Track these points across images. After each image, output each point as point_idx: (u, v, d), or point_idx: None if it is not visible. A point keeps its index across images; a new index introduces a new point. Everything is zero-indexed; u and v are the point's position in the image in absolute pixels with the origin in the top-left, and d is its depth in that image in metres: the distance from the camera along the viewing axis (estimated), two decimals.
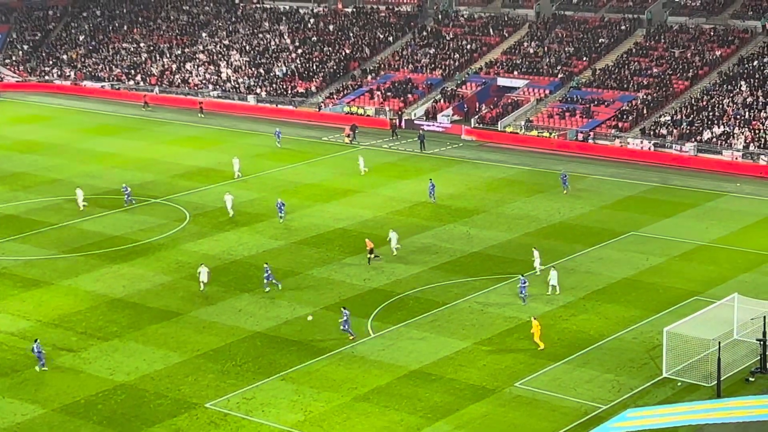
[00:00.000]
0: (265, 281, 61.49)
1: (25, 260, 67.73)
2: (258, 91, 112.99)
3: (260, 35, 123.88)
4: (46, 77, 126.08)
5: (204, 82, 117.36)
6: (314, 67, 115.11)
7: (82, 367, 52.80)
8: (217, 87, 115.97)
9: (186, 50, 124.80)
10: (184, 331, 56.38)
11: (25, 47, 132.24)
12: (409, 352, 53.56)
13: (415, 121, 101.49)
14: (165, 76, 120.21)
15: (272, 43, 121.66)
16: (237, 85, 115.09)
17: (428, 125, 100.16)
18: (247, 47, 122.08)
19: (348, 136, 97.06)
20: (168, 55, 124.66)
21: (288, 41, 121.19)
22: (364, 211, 75.91)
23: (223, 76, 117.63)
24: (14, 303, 60.98)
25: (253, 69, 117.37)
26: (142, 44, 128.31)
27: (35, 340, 52.80)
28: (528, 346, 53.73)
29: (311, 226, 73.02)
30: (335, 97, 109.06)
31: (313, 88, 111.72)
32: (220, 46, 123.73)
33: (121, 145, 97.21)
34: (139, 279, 64.03)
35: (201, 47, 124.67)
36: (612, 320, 56.84)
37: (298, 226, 73.06)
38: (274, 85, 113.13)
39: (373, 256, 65.53)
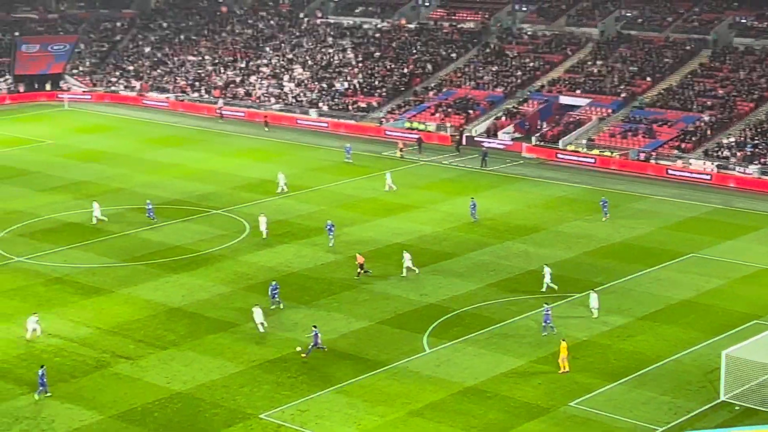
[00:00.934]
0: (272, 299, 61.34)
1: (86, 268, 68.54)
2: (320, 105, 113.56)
3: (323, 50, 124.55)
4: (112, 88, 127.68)
5: (267, 95, 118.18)
6: (376, 83, 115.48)
7: (139, 375, 53.29)
8: (280, 100, 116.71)
9: (250, 63, 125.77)
10: (241, 342, 56.70)
11: (92, 58, 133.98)
12: (464, 369, 53.45)
13: (476, 138, 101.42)
14: (229, 89, 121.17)
15: (335, 57, 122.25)
16: (299, 99, 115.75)
17: (489, 142, 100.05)
18: (310, 62, 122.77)
19: (401, 150, 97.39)
20: (232, 68, 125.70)
21: (351, 56, 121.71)
22: (423, 227, 75.95)
23: (286, 89, 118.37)
24: (75, 310, 61.70)
25: (316, 83, 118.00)
26: (207, 57, 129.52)
27: (41, 366, 51.62)
28: (584, 365, 53.43)
29: (369, 240, 73.17)
30: (397, 112, 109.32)
31: (375, 103, 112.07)
32: (284, 60, 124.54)
33: (184, 156, 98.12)
34: (198, 289, 64.52)
35: (265, 61, 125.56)
36: (670, 342, 56.32)
37: (356, 239, 73.24)
38: (336, 100, 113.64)
39: (363, 271, 65.66)
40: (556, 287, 63.10)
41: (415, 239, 73.22)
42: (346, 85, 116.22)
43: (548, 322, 57.14)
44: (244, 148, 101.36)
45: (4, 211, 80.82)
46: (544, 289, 63.04)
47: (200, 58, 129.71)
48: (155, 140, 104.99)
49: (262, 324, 57.81)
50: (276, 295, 61.32)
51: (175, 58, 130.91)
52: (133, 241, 73.70)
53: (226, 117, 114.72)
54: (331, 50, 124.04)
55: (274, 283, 62.02)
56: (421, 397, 50.64)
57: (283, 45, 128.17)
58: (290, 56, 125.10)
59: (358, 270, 65.76)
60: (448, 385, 51.76)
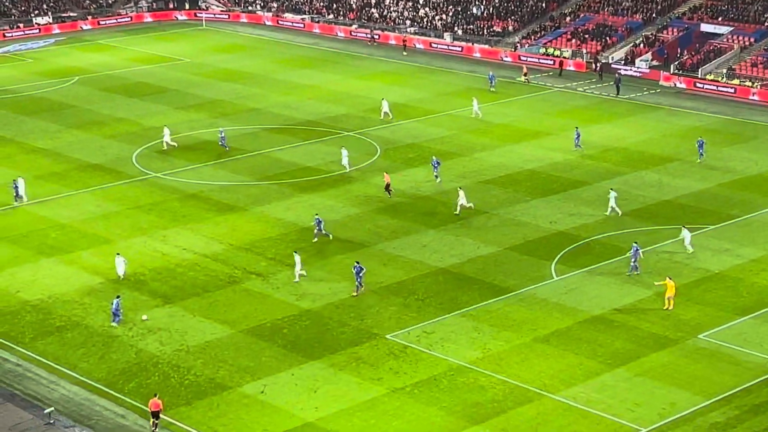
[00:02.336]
0: (315, 231, 60.25)
1: (221, 185, 69.77)
2: (455, 29, 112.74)
3: None
4: (249, 8, 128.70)
5: (402, 18, 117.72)
6: (512, 7, 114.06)
7: (269, 292, 54.31)
8: (415, 23, 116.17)
9: None
10: (369, 263, 57.17)
11: None
12: (591, 297, 53.17)
13: (612, 65, 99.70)
14: (363, 11, 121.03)
15: None
16: (434, 23, 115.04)
17: (626, 70, 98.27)
18: None
19: (525, 75, 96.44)
20: None
21: None
22: (554, 154, 75.25)
23: (421, 12, 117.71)
24: (209, 226, 62.99)
25: (451, 6, 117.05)
26: None
27: (117, 296, 51.88)
28: (715, 298, 52.68)
29: (500, 166, 72.86)
30: (532, 37, 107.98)
31: (510, 28, 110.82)
32: None
33: (318, 77, 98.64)
34: (328, 210, 65.19)
35: None
36: None
37: (487, 165, 72.99)
38: (470, 24, 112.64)
39: (388, 191, 66.19)
40: (619, 213, 62.90)
41: (546, 166, 72.66)
42: (481, 9, 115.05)
43: (635, 261, 55.46)
44: (378, 71, 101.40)
45: (143, 127, 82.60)
46: (608, 213, 62.81)
47: None
48: (290, 61, 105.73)
49: (300, 274, 55.17)
50: (321, 227, 60.31)
51: None
52: (266, 160, 74.68)
53: (361, 39, 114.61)
54: None
55: (317, 216, 60.96)
56: (547, 324, 50.60)
57: None
58: None
59: (387, 190, 66.45)
60: (575, 313, 51.59)
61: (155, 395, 43.09)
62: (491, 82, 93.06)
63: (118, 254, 56.30)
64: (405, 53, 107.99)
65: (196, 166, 73.41)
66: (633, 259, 55.57)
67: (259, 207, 65.89)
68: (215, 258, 58.48)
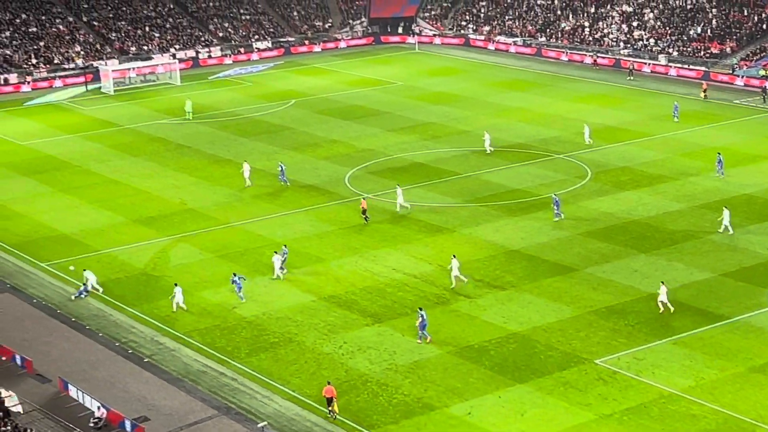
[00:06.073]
0: (283, 259, 59.79)
1: (430, 207, 70.37)
2: (670, 50, 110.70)
3: None
4: (462, 31, 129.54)
5: (615, 40, 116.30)
6: (731, 28, 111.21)
7: (477, 314, 54.43)
8: (629, 46, 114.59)
9: (600, 9, 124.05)
10: (578, 287, 56.71)
11: (444, 2, 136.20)
12: None
13: None
14: (576, 34, 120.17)
15: (688, 2, 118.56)
16: (648, 45, 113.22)
17: None
18: (662, 6, 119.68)
19: (704, 91, 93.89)
20: (581, 14, 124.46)
21: (704, 0, 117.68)
22: None
23: (635, 35, 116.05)
24: (418, 247, 63.59)
25: (666, 28, 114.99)
26: (555, 1, 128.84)
27: (234, 274, 57.53)
28: None
29: (715, 190, 71.06)
30: (751, 59, 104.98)
31: (728, 50, 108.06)
32: (634, 5, 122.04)
33: (530, 100, 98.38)
34: (537, 232, 64.92)
35: (615, 6, 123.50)
36: None
37: (700, 189, 71.31)
38: (686, 47, 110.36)
39: (364, 216, 66.97)
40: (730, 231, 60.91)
41: (764, 191, 70.50)
42: (699, 30, 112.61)
43: None
44: (589, 93, 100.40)
45: (356, 149, 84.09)
46: (720, 230, 62.56)
47: (549, 2, 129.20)
48: (502, 84, 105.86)
49: (178, 304, 55.49)
50: (285, 261, 59.78)
51: (524, 3, 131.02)
52: (475, 182, 74.91)
53: (575, 61, 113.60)
54: None
55: (284, 248, 60.60)
56: (763, 353, 49.03)
57: None
58: (641, 1, 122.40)
59: (363, 215, 67.16)
60: None
61: (328, 383, 45.62)
62: (675, 112, 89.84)
63: (85, 270, 58.34)
64: (630, 78, 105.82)
65: (407, 187, 74.18)
66: None
67: (468, 229, 66.14)
68: (424, 278, 59.00)
